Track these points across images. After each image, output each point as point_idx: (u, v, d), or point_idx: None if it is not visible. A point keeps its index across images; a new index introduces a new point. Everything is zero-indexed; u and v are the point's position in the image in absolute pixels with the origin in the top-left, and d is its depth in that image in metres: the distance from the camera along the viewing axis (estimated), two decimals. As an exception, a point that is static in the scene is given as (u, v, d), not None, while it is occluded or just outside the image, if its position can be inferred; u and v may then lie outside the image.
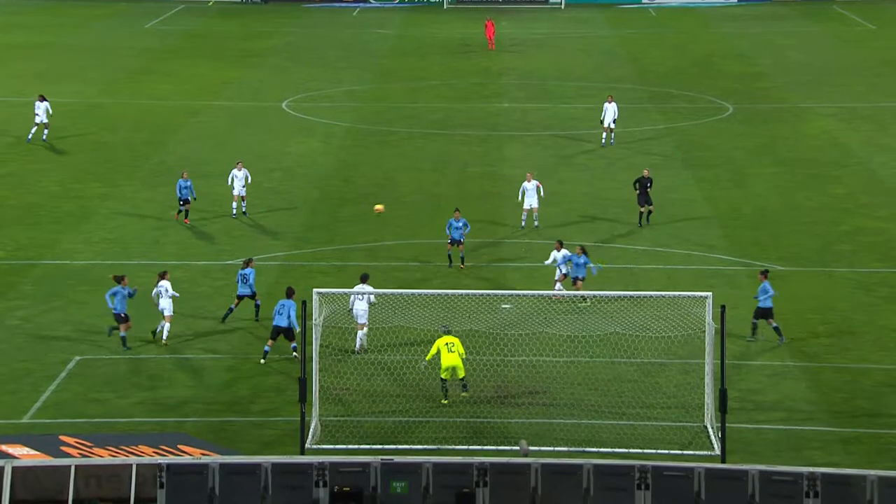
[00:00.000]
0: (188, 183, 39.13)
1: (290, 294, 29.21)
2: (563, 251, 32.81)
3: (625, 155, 49.12)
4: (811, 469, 21.73)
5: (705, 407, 26.06)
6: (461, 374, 27.30)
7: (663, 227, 39.83)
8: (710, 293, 26.35)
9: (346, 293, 28.34)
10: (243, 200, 39.98)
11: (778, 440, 25.55)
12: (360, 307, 29.26)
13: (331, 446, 25.19)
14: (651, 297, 29.54)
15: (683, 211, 41.41)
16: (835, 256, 36.77)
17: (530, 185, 38.51)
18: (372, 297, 29.20)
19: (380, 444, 25.33)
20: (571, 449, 25.06)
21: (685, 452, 24.90)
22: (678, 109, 53.13)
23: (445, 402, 27.15)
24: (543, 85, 62.26)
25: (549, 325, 30.23)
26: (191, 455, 23.79)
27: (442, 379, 27.30)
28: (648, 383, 27.99)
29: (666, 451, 24.90)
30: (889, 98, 57.65)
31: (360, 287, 29.55)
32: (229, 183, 40.26)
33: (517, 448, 24.52)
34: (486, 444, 25.27)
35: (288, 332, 28.85)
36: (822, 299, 33.25)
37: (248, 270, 31.19)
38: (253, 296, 31.20)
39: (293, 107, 56.99)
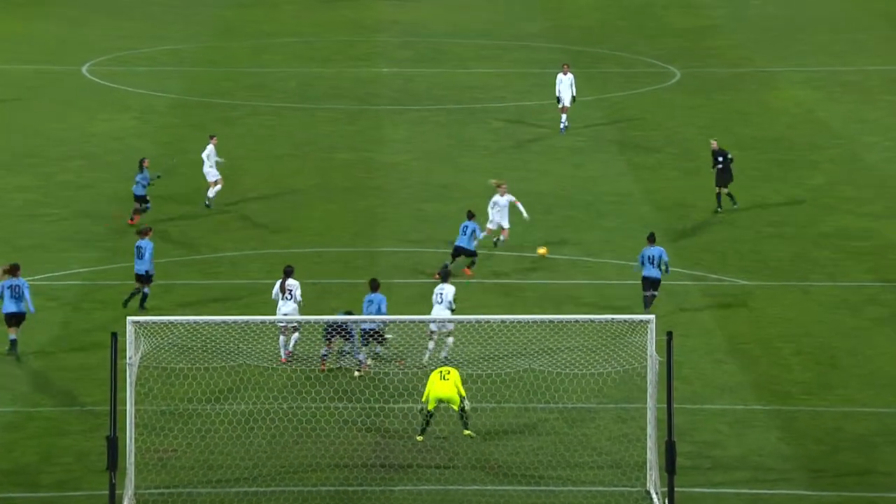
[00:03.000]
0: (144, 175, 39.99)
1: (376, 287, 30.75)
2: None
3: (540, 135, 49.46)
4: (785, 545, 22.08)
5: (647, 466, 26.27)
6: (456, 406, 27.76)
7: (592, 230, 40.16)
8: (652, 316, 26.59)
9: (177, 322, 27.90)
10: (215, 186, 41.46)
11: (742, 507, 25.93)
12: (439, 312, 31.00)
13: (153, 529, 24.92)
14: (577, 321, 29.68)
15: (617, 208, 41.83)
16: (812, 266, 37.48)
17: (503, 201, 37.72)
18: (452, 301, 31.11)
19: (219, 523, 25.16)
20: (474, 525, 25.19)
21: (622, 526, 25.14)
22: (609, 75, 53.75)
23: (420, 438, 27.64)
24: (434, 44, 62.44)
25: (445, 361, 30.20)
26: (-41, 546, 23.14)
27: (427, 411, 27.71)
28: (574, 436, 28.15)
29: (598, 525, 25.10)
30: (878, 59, 59.09)
31: (442, 285, 31.15)
32: (206, 158, 41.60)
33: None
34: (362, 521, 25.26)
35: (378, 335, 30.17)
36: (797, 323, 33.85)
37: (143, 242, 33.30)
38: (148, 277, 33.19)
39: (97, 72, 56.16)
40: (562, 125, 48.88)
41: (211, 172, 41.59)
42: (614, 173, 45.07)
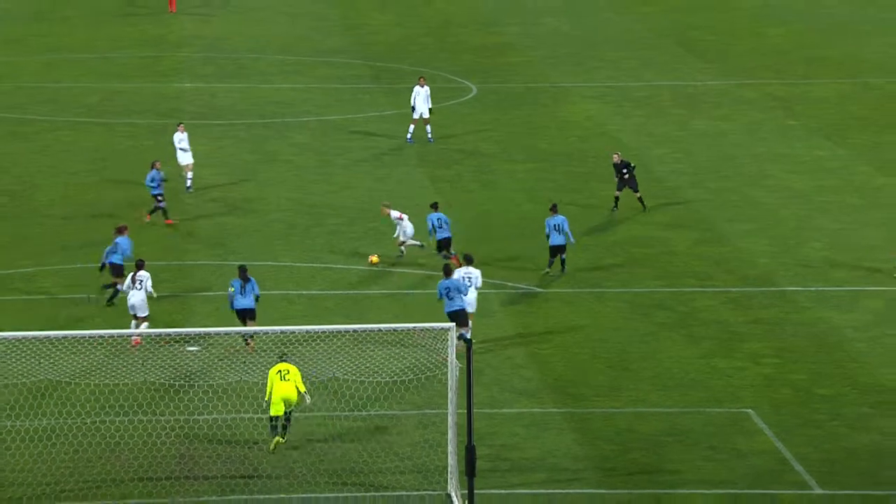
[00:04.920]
0: (160, 174, 41.40)
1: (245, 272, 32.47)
2: None
3: (343, 149, 49.63)
4: (579, 542, 22.49)
5: (448, 469, 26.56)
6: (291, 407, 27.75)
7: (393, 242, 40.44)
8: (452, 324, 26.95)
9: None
10: (189, 171, 43.93)
11: (539, 507, 26.37)
12: (469, 296, 32.48)
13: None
14: (379, 330, 29.88)
15: (418, 220, 42.18)
16: (605, 274, 38.31)
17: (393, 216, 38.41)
18: (479, 281, 32.79)
19: (22, 540, 24.70)
20: (280, 533, 25.17)
21: (425, 529, 25.37)
22: (409, 90, 53.94)
23: (281, 440, 27.66)
24: (236, 59, 62.17)
25: (249, 372, 30.10)
26: None
27: (271, 417, 27.66)
28: (377, 442, 28.31)
29: (401, 529, 25.30)
30: (665, 75, 60.64)
31: (465, 271, 32.61)
32: (177, 144, 43.70)
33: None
34: (167, 533, 25.05)
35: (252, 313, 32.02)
36: (591, 328, 34.57)
37: (121, 239, 34.84)
38: (122, 270, 34.23)
39: None
40: (411, 135, 49.37)
41: (186, 157, 43.48)
42: (415, 186, 45.45)
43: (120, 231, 35.23)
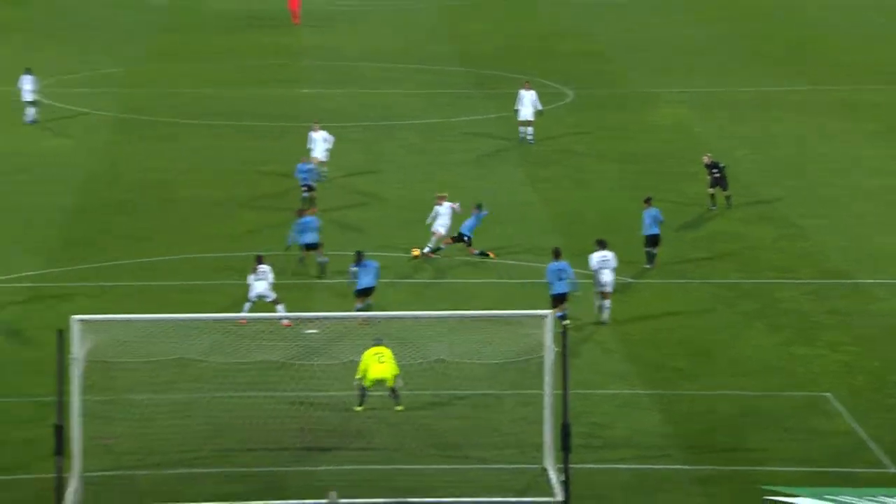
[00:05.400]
0: (308, 166, 42.63)
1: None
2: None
3: (447, 150, 49.60)
4: (666, 514, 22.27)
5: (545, 445, 26.43)
6: (389, 384, 28.45)
7: (495, 235, 40.30)
8: (549, 311, 26.78)
9: (119, 320, 27.58)
10: (324, 165, 44.83)
11: (629, 482, 26.13)
12: (607, 275, 33.56)
13: (97, 508, 24.64)
14: (482, 316, 29.81)
15: (518, 216, 42.03)
16: (690, 266, 37.92)
17: (443, 209, 38.55)
18: (615, 262, 33.46)
19: (157, 502, 24.96)
20: (391, 500, 25.17)
21: (522, 500, 25.23)
22: (510, 95, 53.84)
23: (359, 408, 28.49)
24: (351, 67, 62.40)
25: (361, 353, 30.15)
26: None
27: (363, 387, 28.48)
28: (480, 419, 28.26)
29: (500, 499, 25.20)
30: (747, 82, 59.92)
31: (601, 255, 33.44)
32: (308, 145, 44.76)
33: (325, 501, 24.44)
34: (288, 498, 25.16)
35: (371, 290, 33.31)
36: (678, 316, 34.23)
37: (309, 219, 36.60)
38: (318, 246, 36.33)
39: (42, 93, 55.42)
40: (522, 136, 49.40)
41: (324, 153, 44.62)
42: (516, 184, 45.30)
43: (301, 213, 36.72)
